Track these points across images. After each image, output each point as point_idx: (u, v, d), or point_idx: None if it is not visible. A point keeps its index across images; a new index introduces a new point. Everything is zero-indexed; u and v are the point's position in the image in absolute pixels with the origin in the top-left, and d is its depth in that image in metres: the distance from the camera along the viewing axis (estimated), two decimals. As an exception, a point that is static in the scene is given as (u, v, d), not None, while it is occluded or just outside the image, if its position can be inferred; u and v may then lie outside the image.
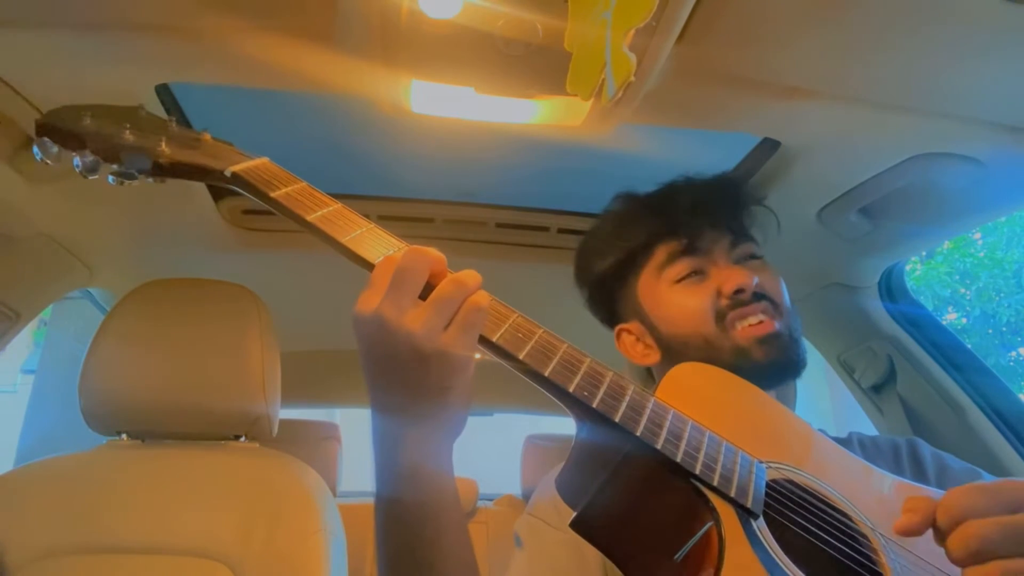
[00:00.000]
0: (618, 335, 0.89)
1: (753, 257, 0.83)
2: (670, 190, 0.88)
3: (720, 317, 0.77)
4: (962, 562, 0.44)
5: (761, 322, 0.76)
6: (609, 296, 0.90)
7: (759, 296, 0.78)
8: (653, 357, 0.84)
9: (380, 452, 0.54)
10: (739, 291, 0.77)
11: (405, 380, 0.52)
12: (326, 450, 1.85)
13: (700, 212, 0.83)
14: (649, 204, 0.88)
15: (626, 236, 0.87)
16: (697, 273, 0.81)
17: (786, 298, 0.81)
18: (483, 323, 0.53)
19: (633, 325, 0.87)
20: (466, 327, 0.51)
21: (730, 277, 0.78)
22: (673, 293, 0.81)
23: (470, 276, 0.53)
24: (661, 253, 0.83)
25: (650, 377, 0.93)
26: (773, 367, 0.76)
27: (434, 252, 0.54)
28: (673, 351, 0.81)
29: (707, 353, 0.77)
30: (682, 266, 0.82)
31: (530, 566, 0.71)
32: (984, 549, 0.43)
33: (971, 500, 0.46)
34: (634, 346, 0.87)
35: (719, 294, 0.78)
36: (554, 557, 0.70)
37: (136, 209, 1.21)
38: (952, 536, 0.45)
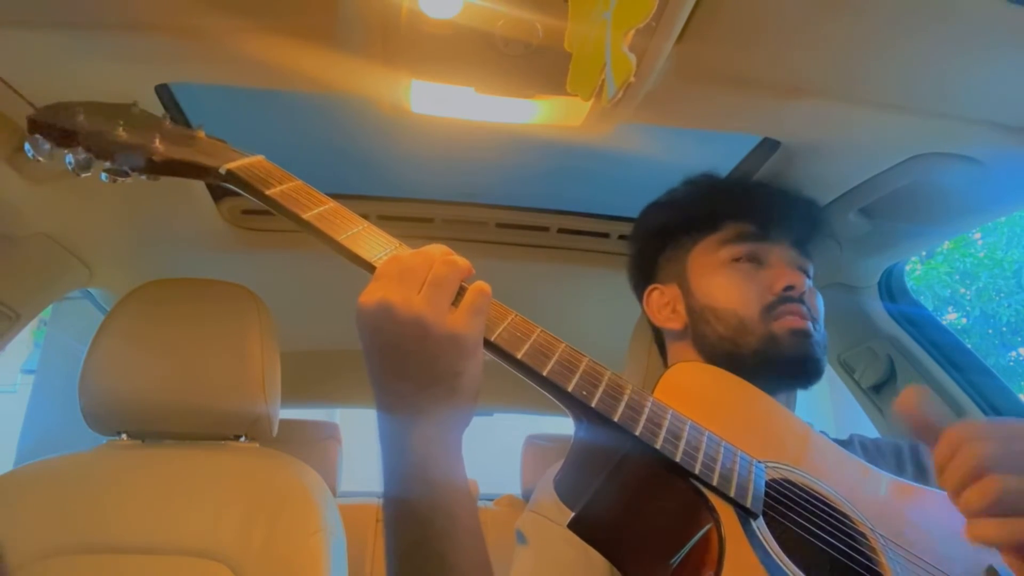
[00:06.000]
0: (648, 294, 0.91)
1: (805, 273, 0.85)
2: (758, 184, 0.93)
3: (767, 309, 0.79)
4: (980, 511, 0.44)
5: (797, 319, 0.79)
6: (657, 253, 0.93)
7: (803, 302, 0.80)
8: (675, 323, 0.86)
9: (389, 446, 0.53)
10: (790, 288, 0.79)
11: (414, 367, 0.51)
12: (326, 450, 1.85)
13: (780, 211, 0.87)
14: (733, 185, 0.92)
15: (701, 202, 0.90)
16: (754, 260, 0.84)
17: (822, 319, 0.83)
18: (488, 308, 0.53)
19: (669, 288, 0.89)
20: (473, 309, 0.52)
21: (784, 274, 0.81)
22: (726, 269, 0.84)
23: (459, 258, 0.54)
24: (729, 230, 0.86)
25: (658, 345, 0.95)
26: (793, 362, 0.77)
27: (438, 252, 0.54)
28: (702, 321, 0.83)
29: (735, 333, 0.79)
30: (743, 248, 0.84)
31: (536, 563, 0.70)
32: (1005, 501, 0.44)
33: (987, 449, 0.46)
34: (661, 309, 0.89)
35: (770, 288, 0.80)
36: (559, 553, 0.69)
37: (136, 209, 1.21)
38: (973, 488, 0.45)
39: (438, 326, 0.50)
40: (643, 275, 0.95)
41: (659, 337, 0.94)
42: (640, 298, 0.94)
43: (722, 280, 0.83)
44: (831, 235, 0.94)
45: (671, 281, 0.89)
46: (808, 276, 0.85)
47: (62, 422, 1.61)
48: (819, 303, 0.84)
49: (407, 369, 0.51)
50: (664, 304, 0.89)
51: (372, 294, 0.51)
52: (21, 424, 2.18)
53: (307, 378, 1.74)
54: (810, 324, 0.79)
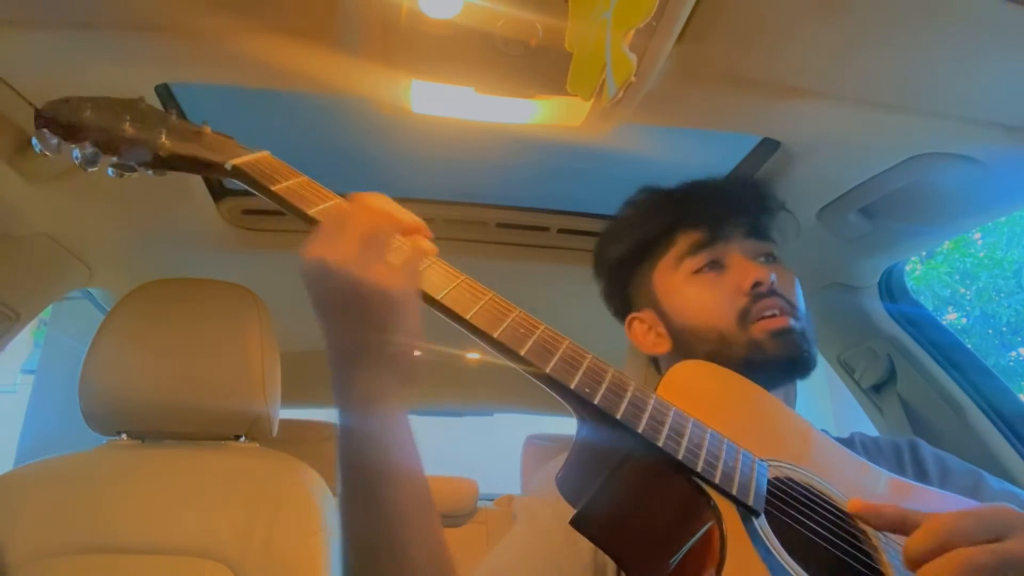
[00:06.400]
0: (629, 324, 0.89)
1: (771, 257, 0.84)
2: (695, 185, 0.89)
3: (743, 315, 0.77)
4: None
5: (775, 316, 0.77)
6: (624, 283, 0.91)
7: (775, 293, 0.78)
8: (663, 347, 0.85)
9: (337, 403, 0.55)
10: (757, 284, 0.78)
11: (349, 320, 0.52)
12: (326, 450, 1.84)
13: (724, 207, 0.84)
14: (673, 196, 0.89)
15: (647, 223, 0.88)
16: (715, 265, 0.81)
17: (801, 300, 0.81)
18: (419, 261, 0.55)
19: (646, 314, 0.87)
20: (403, 265, 0.53)
21: (749, 271, 0.79)
22: (691, 284, 0.82)
23: (401, 210, 0.57)
24: (682, 243, 0.84)
25: (655, 367, 0.93)
26: (784, 363, 0.76)
27: (375, 203, 0.55)
28: (684, 342, 0.81)
29: (719, 347, 0.77)
30: (701, 257, 0.82)
31: (523, 536, 0.71)
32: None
33: (960, 525, 0.45)
34: (645, 335, 0.87)
35: (738, 290, 0.78)
36: (547, 531, 0.70)
37: (136, 209, 1.21)
38: (941, 559, 0.44)
39: (366, 280, 0.51)
40: (620, 306, 0.93)
41: (656, 365, 0.92)
42: (625, 329, 0.92)
43: (690, 295, 0.81)
44: (782, 206, 0.91)
45: (646, 307, 0.87)
46: (774, 259, 0.84)
47: (62, 422, 1.61)
48: (797, 289, 0.82)
49: (341, 319, 0.53)
50: (647, 331, 0.87)
51: (310, 248, 0.52)
52: (21, 424, 2.18)
53: (307, 378, 1.73)
54: (790, 319, 0.77)
